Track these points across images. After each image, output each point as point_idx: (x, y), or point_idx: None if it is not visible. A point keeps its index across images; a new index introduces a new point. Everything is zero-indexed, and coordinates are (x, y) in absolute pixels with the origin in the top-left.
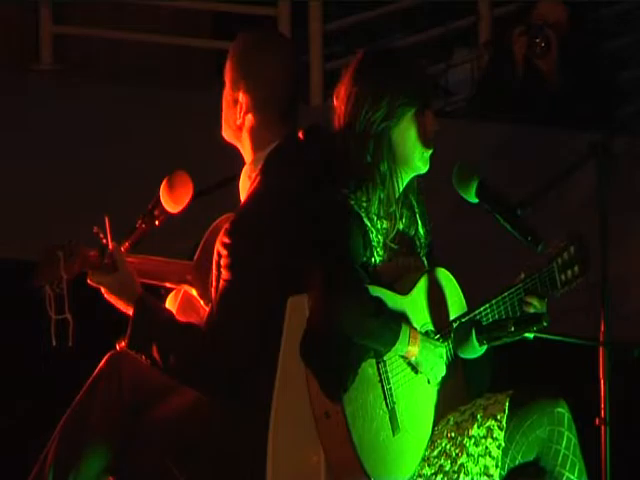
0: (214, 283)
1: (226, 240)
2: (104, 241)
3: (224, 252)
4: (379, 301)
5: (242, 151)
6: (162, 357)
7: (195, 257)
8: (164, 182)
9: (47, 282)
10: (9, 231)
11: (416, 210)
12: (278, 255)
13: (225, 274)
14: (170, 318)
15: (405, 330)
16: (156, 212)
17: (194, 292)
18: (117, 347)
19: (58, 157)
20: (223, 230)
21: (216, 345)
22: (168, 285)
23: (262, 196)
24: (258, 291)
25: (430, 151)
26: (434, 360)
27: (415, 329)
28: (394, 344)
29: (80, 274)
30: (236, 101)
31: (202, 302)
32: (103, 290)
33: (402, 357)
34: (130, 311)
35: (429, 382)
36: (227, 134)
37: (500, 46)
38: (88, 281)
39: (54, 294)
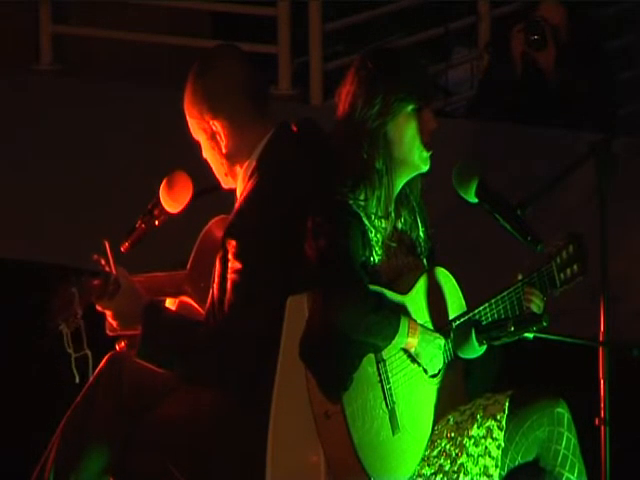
0: (217, 279)
1: (232, 230)
2: (106, 268)
3: (232, 242)
4: (378, 297)
5: (238, 173)
6: (173, 358)
7: (189, 264)
8: (164, 182)
9: (63, 320)
10: (9, 231)
11: (417, 215)
12: (282, 242)
13: (235, 264)
14: (179, 318)
15: (404, 322)
16: (156, 212)
17: (193, 302)
18: (117, 348)
19: (58, 157)
20: (228, 223)
21: (230, 334)
22: (165, 298)
23: (263, 188)
24: (268, 279)
25: (429, 153)
26: (433, 351)
27: (414, 321)
28: (394, 338)
29: (89, 304)
30: (213, 135)
31: (200, 309)
32: (111, 317)
33: (402, 351)
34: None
35: (426, 372)
36: (225, 180)
37: (500, 46)
38: (97, 307)
39: (71, 330)
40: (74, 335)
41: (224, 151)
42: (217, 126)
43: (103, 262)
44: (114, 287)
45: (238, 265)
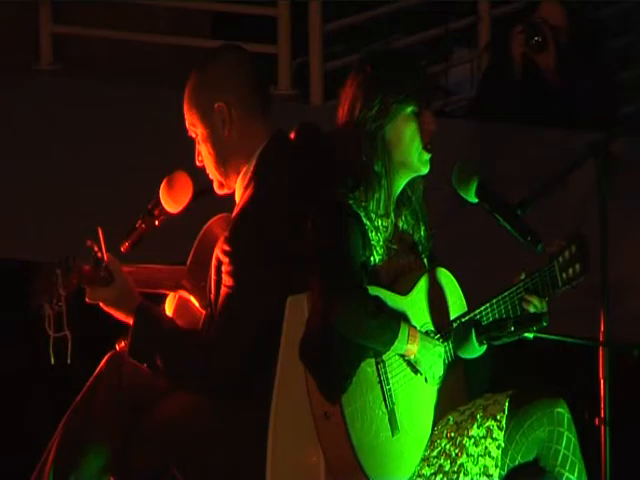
0: (212, 289)
1: (226, 247)
2: (99, 254)
3: (225, 259)
4: (378, 301)
5: (235, 177)
6: (164, 364)
7: (188, 261)
8: (164, 182)
9: (46, 301)
10: (9, 231)
11: (419, 215)
12: (278, 259)
13: (227, 280)
14: (171, 325)
15: (404, 328)
16: (156, 212)
17: (192, 298)
18: (117, 347)
19: (58, 157)
20: (223, 237)
21: (219, 350)
22: (163, 291)
23: (258, 199)
24: (260, 297)
25: (429, 155)
26: (433, 359)
27: (414, 327)
28: (393, 343)
29: (77, 289)
30: (215, 123)
31: (198, 305)
32: (102, 303)
33: (401, 356)
34: (130, 320)
35: (427, 381)
36: (225, 184)
37: (500, 47)
38: (87, 300)
39: (53, 312)
40: (57, 318)
41: (227, 134)
42: (223, 108)
43: (96, 249)
44: (105, 274)
45: (230, 282)
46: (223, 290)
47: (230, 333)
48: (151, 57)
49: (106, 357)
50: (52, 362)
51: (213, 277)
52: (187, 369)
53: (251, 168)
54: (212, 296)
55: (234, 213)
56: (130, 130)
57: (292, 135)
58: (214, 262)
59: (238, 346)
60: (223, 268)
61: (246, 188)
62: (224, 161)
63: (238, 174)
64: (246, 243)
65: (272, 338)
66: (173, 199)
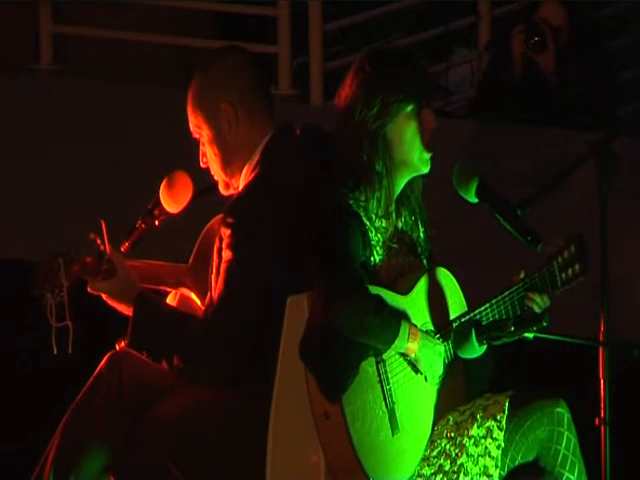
0: (214, 270)
1: (229, 220)
2: (101, 247)
3: (227, 232)
4: (378, 299)
5: (239, 175)
6: (165, 350)
7: (190, 259)
8: (164, 182)
9: (48, 290)
10: (9, 231)
11: (418, 215)
12: (279, 236)
13: (228, 254)
14: (171, 310)
15: (405, 327)
16: (156, 212)
17: (192, 295)
18: (117, 347)
19: (58, 157)
20: (225, 212)
21: (222, 325)
22: (165, 288)
23: (262, 181)
24: (260, 275)
25: (430, 154)
26: (433, 357)
27: (415, 326)
28: (394, 341)
29: (80, 280)
30: (220, 125)
31: (199, 302)
32: (104, 296)
33: (401, 355)
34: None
35: (427, 380)
36: (229, 184)
37: (500, 47)
38: (88, 290)
39: (55, 302)
40: (59, 308)
41: (232, 135)
42: (226, 108)
43: (99, 241)
44: (108, 267)
45: (230, 255)
46: (223, 266)
47: (229, 313)
48: (151, 57)
49: (106, 357)
50: (54, 352)
51: (215, 262)
52: (187, 353)
53: (256, 157)
54: (213, 277)
55: (237, 194)
56: (130, 130)
57: (296, 133)
58: (216, 244)
59: (237, 324)
60: (224, 243)
61: (249, 176)
62: (230, 161)
63: (242, 172)
64: (247, 217)
65: (271, 336)
66: (173, 199)
